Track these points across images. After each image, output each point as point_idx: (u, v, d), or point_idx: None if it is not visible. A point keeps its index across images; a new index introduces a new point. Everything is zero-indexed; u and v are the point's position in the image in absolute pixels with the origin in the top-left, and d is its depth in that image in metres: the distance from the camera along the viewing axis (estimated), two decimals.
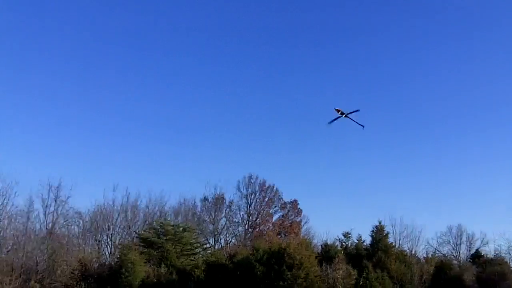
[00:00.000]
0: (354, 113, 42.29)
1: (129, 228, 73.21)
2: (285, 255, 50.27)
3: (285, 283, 48.15)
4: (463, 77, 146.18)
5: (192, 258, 59.01)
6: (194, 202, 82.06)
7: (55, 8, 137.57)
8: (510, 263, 66.50)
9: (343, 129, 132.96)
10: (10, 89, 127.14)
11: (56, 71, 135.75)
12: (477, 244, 78.45)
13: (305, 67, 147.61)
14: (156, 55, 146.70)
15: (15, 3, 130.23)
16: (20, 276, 61.21)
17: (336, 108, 42.16)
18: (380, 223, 59.78)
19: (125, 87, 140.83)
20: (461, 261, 72.44)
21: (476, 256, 67.85)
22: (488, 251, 72.01)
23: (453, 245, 79.60)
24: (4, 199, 67.29)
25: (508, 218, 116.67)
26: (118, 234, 72.89)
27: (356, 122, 42.82)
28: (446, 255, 73.27)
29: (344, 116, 42.16)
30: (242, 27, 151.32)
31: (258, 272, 49.47)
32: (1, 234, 67.17)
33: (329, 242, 62.79)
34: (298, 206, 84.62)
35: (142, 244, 60.62)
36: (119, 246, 63.73)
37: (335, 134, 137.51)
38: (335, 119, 42.60)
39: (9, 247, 66.02)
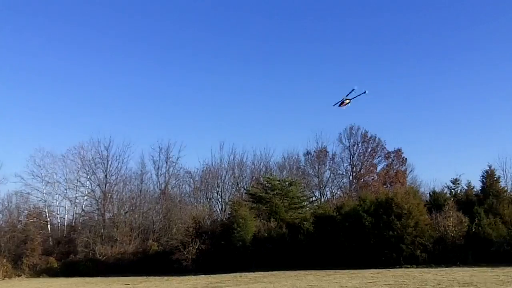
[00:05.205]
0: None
1: (237, 184, 75.88)
2: (393, 205, 49.78)
3: (395, 232, 47.81)
4: None
5: (300, 212, 59.82)
6: (298, 156, 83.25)
7: None
8: None
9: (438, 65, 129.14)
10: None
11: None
12: None
13: None
14: None
15: None
16: (139, 235, 65.79)
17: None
18: (490, 167, 57.44)
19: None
20: None
21: None
22: None
23: None
24: (119, 163, 72.32)
25: None
26: (227, 191, 75.85)
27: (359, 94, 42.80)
28: None
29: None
30: None
31: (367, 223, 49.43)
32: (118, 196, 72.33)
33: (437, 190, 61.51)
34: (402, 155, 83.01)
35: (251, 199, 62.38)
36: (230, 203, 66.05)
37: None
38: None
39: (126, 209, 71.06)
